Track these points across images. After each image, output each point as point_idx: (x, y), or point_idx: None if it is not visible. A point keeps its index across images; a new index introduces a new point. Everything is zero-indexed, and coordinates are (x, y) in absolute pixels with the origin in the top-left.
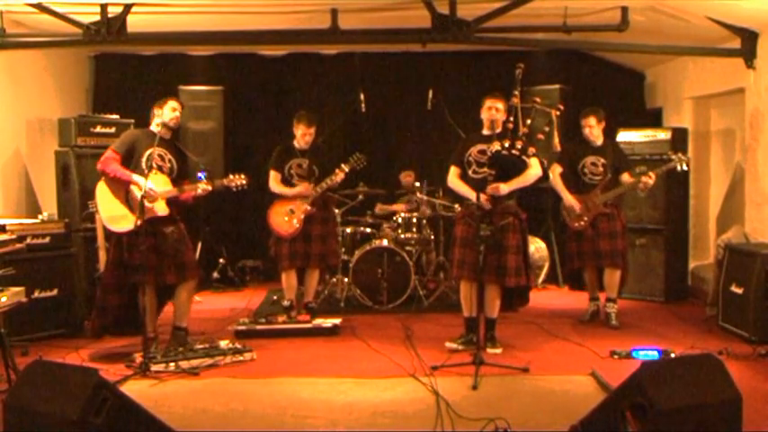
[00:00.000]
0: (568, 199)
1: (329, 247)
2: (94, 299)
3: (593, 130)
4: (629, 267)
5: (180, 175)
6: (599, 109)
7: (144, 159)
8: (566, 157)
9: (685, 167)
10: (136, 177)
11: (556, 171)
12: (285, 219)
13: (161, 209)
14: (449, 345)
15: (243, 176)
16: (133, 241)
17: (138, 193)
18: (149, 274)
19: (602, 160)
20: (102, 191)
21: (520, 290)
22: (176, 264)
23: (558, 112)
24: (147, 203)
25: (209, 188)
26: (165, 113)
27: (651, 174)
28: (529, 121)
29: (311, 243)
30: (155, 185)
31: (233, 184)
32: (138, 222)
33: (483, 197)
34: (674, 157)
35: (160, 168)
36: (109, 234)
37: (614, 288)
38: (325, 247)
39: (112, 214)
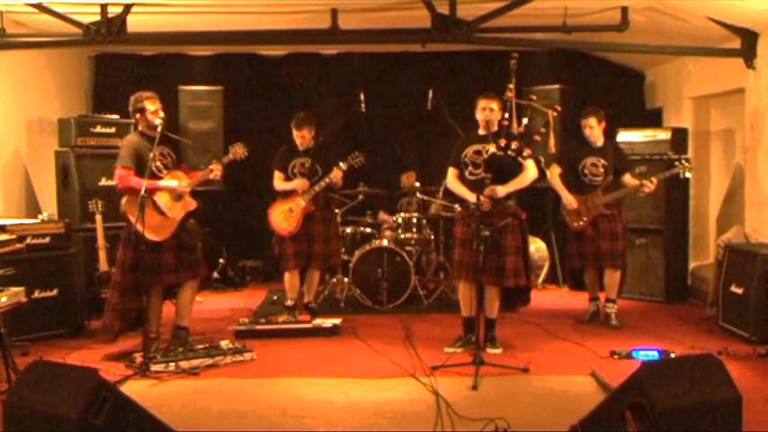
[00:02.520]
0: (567, 198)
1: (331, 248)
2: (96, 299)
3: (594, 130)
4: (629, 267)
5: (179, 163)
6: (599, 109)
7: (150, 163)
8: (565, 157)
9: (689, 174)
10: (162, 183)
11: (555, 171)
12: (284, 217)
13: (191, 203)
14: (447, 350)
15: (240, 144)
16: (157, 242)
17: (161, 201)
18: (169, 274)
19: (603, 161)
20: (131, 208)
21: (520, 290)
22: (191, 259)
23: (555, 113)
24: (174, 203)
25: (221, 167)
26: (150, 118)
27: (653, 179)
28: (525, 121)
29: (314, 243)
30: (176, 183)
31: (237, 156)
32: (139, 224)
33: (482, 198)
34: (677, 163)
35: (166, 166)
36: (127, 236)
37: (614, 288)
38: (328, 247)
39: (152, 226)
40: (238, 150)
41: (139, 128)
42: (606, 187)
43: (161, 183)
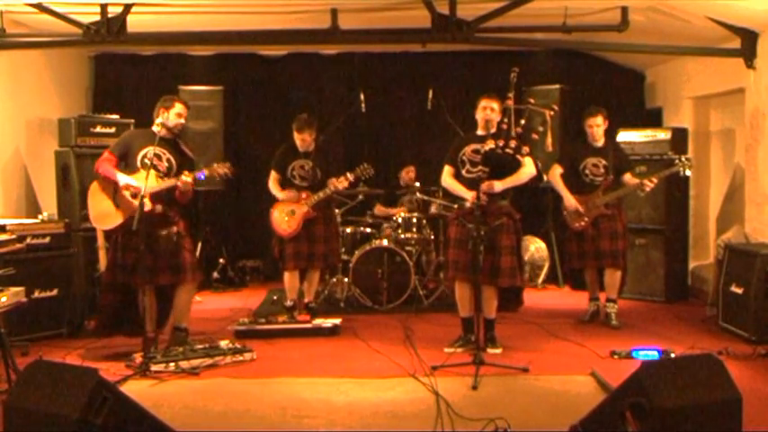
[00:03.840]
0: (569, 199)
1: (332, 248)
2: (95, 299)
3: (600, 129)
4: (629, 267)
5: (178, 173)
6: (603, 109)
7: (138, 158)
8: (566, 157)
9: (688, 172)
10: (119, 176)
11: (556, 171)
12: (285, 219)
13: (144, 204)
14: (447, 350)
15: (227, 165)
16: (127, 241)
17: (125, 193)
18: (142, 275)
19: (604, 161)
20: (94, 190)
21: (514, 291)
22: (171, 265)
23: (552, 113)
24: (130, 198)
25: (189, 179)
26: (171, 118)
27: (653, 177)
28: (523, 121)
29: (315, 244)
30: (139, 182)
31: (216, 174)
32: (133, 220)
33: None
34: (677, 161)
35: (156, 167)
36: (109, 234)
37: (615, 288)
38: (328, 247)
39: (99, 212)
40: (219, 170)
41: (154, 126)
42: (606, 187)
43: (118, 174)
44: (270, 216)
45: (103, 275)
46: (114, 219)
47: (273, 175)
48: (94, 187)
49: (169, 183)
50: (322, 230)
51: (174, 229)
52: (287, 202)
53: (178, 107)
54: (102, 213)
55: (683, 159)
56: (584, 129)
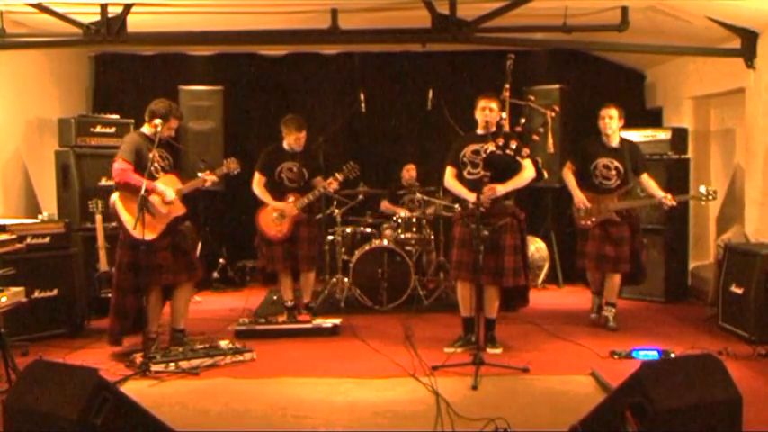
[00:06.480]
0: (578, 197)
1: (314, 250)
2: (96, 299)
3: (612, 121)
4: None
5: (176, 168)
6: (619, 105)
7: (149, 163)
8: (579, 153)
9: (710, 200)
10: (160, 187)
11: (569, 170)
12: (274, 222)
13: (179, 208)
14: (447, 350)
15: (234, 160)
16: (155, 242)
17: (156, 200)
18: (167, 274)
19: (616, 163)
20: (121, 204)
21: (519, 290)
22: (187, 262)
23: (553, 114)
24: (159, 205)
25: (216, 178)
26: (163, 131)
27: (673, 199)
28: (523, 120)
29: (298, 245)
30: (169, 188)
31: (231, 171)
32: (139, 224)
33: (482, 197)
34: (703, 193)
35: (164, 169)
36: (124, 237)
37: (614, 292)
38: (313, 249)
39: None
40: (231, 165)
41: (143, 129)
42: (622, 195)
43: (158, 185)
44: (256, 219)
45: (119, 280)
46: (157, 227)
47: (259, 178)
48: (123, 200)
49: (197, 182)
50: (306, 233)
51: (188, 224)
52: (273, 207)
53: (173, 122)
54: (145, 225)
55: (709, 191)
56: (598, 124)
